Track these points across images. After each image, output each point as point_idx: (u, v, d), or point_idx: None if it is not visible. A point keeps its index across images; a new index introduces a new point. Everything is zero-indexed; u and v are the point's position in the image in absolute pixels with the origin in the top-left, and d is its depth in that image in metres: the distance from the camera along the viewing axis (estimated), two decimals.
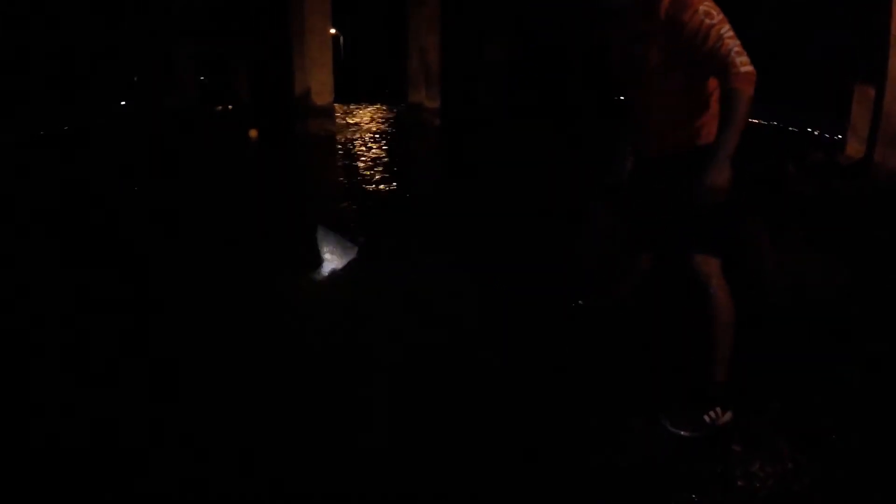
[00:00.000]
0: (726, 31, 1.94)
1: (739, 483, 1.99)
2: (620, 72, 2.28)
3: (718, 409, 2.22)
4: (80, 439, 2.17)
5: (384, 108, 13.89)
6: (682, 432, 2.21)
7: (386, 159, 7.85)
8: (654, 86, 2.15)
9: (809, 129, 10.57)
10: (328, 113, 9.99)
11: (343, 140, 9.48)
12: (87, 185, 6.09)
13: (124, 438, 2.18)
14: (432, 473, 2.03)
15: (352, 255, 3.78)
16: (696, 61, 2.01)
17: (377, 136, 9.91)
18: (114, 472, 2.01)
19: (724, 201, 2.13)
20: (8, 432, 2.18)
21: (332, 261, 3.70)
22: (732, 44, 1.92)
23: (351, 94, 14.77)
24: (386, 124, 11.44)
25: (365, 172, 6.99)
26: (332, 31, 12.94)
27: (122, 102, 12.91)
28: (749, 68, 1.91)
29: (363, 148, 8.74)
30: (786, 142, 9.62)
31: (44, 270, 3.75)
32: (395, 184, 6.41)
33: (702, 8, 1.95)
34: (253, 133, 9.92)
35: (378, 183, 6.46)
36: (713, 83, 2.09)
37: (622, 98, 2.42)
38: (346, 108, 13.38)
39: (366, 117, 12.41)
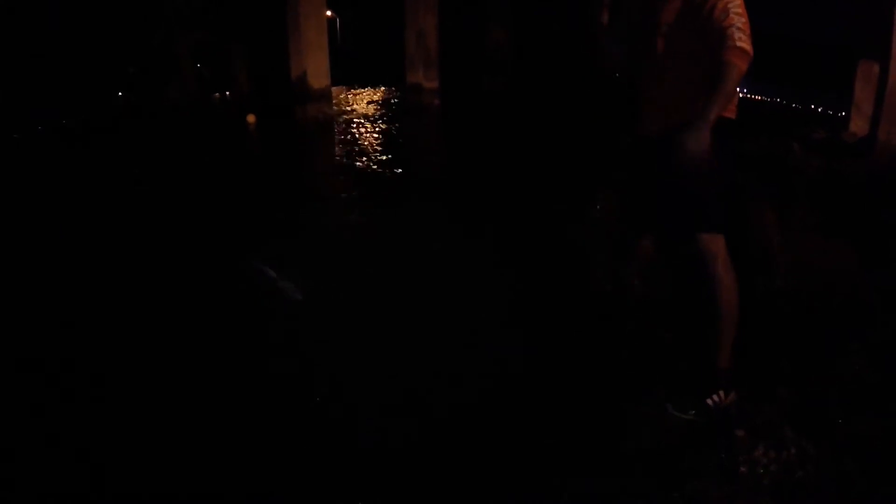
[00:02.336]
0: (735, 6, 1.93)
1: (743, 469, 1.95)
2: (634, 38, 2.24)
3: (721, 393, 2.18)
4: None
5: (382, 89, 13.78)
6: (686, 416, 2.18)
7: (384, 143, 7.77)
8: (666, 52, 2.12)
9: (813, 107, 10.48)
10: (325, 96, 9.91)
11: (341, 123, 9.40)
12: (87, 179, 5.97)
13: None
14: (438, 459, 2.01)
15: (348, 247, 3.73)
16: (702, 30, 1.99)
17: (375, 118, 9.82)
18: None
19: (722, 177, 2.09)
20: None
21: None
22: (737, 20, 1.91)
23: (349, 76, 14.65)
24: (384, 106, 11.35)
25: (361, 157, 6.92)
26: (328, 13, 12.79)
27: (120, 94, 12.76)
28: (745, 45, 1.89)
29: (361, 130, 8.66)
30: (789, 119, 9.53)
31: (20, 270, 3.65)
32: (392, 168, 6.34)
33: None
34: (251, 118, 9.82)
35: (375, 167, 6.39)
36: None
37: (629, 77, 2.36)
38: (343, 90, 13.27)
39: (364, 99, 12.31)
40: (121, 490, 1.89)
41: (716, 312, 2.13)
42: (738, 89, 2.24)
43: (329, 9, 10.87)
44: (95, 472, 1.95)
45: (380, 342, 2.72)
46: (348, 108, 11.03)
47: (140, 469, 1.97)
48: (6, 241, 4.03)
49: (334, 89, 11.08)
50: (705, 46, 2.02)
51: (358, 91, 13.77)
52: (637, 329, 2.78)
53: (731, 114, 2.13)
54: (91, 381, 2.45)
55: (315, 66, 9.68)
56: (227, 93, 14.17)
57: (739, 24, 1.90)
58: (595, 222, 3.65)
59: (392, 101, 12.11)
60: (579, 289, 3.14)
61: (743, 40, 1.89)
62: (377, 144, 7.59)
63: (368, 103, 11.80)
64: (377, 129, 8.80)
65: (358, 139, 7.98)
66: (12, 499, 1.88)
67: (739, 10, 1.93)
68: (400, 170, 6.23)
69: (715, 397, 2.17)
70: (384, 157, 6.78)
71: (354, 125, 9.12)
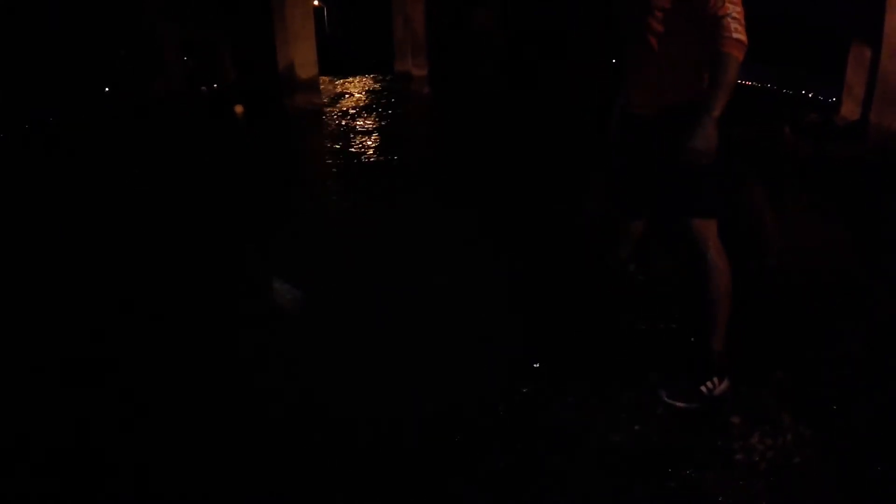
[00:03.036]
0: None
1: (739, 456, 1.92)
2: (626, 21, 2.18)
3: (715, 379, 2.15)
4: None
5: (371, 78, 13.63)
6: (679, 403, 2.15)
7: (373, 133, 7.68)
8: (659, 35, 2.07)
9: (804, 91, 10.46)
10: (313, 86, 9.78)
11: (329, 113, 9.30)
12: (77, 178, 5.81)
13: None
14: (433, 455, 1.97)
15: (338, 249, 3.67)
16: (697, 15, 1.96)
17: (364, 107, 9.71)
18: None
19: (719, 164, 2.06)
20: None
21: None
22: (732, 9, 1.90)
23: (336, 66, 14.50)
24: (373, 95, 11.23)
25: (351, 148, 6.83)
26: (315, 2, 12.65)
27: (107, 89, 12.59)
28: (741, 36, 1.89)
29: (350, 121, 8.56)
30: (781, 103, 9.51)
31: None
32: (384, 159, 6.26)
33: None
34: (238, 109, 9.70)
35: (366, 158, 6.31)
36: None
37: (620, 58, 2.30)
38: (331, 80, 13.13)
39: (352, 88, 12.18)
40: (120, 490, 1.85)
41: (709, 296, 2.10)
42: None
43: None
44: (93, 473, 1.92)
45: (379, 338, 2.67)
46: (337, 98, 10.92)
47: (139, 469, 1.94)
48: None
49: (322, 79, 10.96)
50: (699, 30, 1.99)
51: (346, 80, 13.62)
52: (630, 315, 2.74)
53: None
54: (87, 382, 2.40)
55: (302, 56, 9.54)
56: (215, 85, 14.01)
57: (734, 14, 1.89)
58: (587, 207, 3.61)
59: (381, 89, 11.98)
60: (572, 275, 3.10)
61: (738, 31, 1.88)
62: (367, 135, 7.51)
63: (357, 92, 11.68)
64: (366, 118, 8.71)
65: (347, 130, 7.89)
66: (10, 499, 1.83)
67: (735, 0, 1.90)
68: (391, 160, 6.15)
69: (709, 383, 2.15)
70: (374, 148, 6.70)
71: (343, 115, 9.02)
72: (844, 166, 5.43)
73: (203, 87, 13.73)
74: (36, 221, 4.40)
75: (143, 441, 2.06)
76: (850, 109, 7.56)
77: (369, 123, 8.27)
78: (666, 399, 2.16)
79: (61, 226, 4.28)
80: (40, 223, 4.36)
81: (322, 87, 10.51)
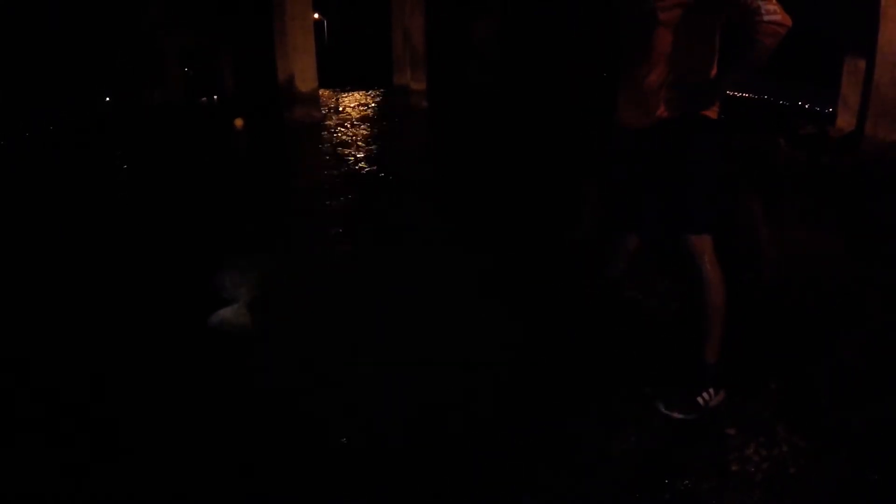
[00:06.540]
0: None
1: (734, 467, 1.93)
2: (627, 36, 2.18)
3: (711, 390, 2.17)
4: None
5: (370, 92, 13.73)
6: (677, 414, 2.16)
7: (371, 147, 7.73)
8: (665, 50, 2.06)
9: (800, 103, 10.53)
10: (313, 99, 9.83)
11: (328, 126, 9.36)
12: (72, 188, 5.84)
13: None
14: (426, 461, 1.97)
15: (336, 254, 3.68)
16: (717, 9, 1.97)
17: (363, 121, 9.78)
18: None
19: (714, 178, 2.08)
20: None
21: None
22: None
23: (336, 79, 14.61)
24: (372, 109, 11.31)
25: (349, 162, 6.87)
26: (316, 16, 12.75)
27: (108, 99, 12.66)
28: (775, 17, 1.84)
29: (349, 134, 8.62)
30: (776, 115, 9.56)
31: None
32: (381, 173, 6.29)
33: None
34: (238, 122, 9.75)
35: (363, 172, 6.35)
36: (719, 44, 2.05)
37: (615, 73, 2.32)
38: (331, 93, 13.23)
39: (351, 102, 12.26)
40: (119, 491, 1.86)
41: (704, 308, 2.11)
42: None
43: (316, 11, 10.82)
44: (89, 473, 1.93)
45: (373, 347, 2.67)
46: (336, 112, 10.99)
47: (136, 470, 1.94)
48: None
49: (322, 92, 11.03)
50: (706, 45, 2.01)
51: (346, 94, 13.71)
52: (626, 327, 2.76)
53: (712, 114, 2.10)
54: (83, 384, 2.41)
55: (302, 69, 9.61)
56: (215, 96, 14.10)
57: None
58: (582, 221, 3.63)
59: (380, 103, 12.07)
60: (568, 288, 3.12)
61: (772, 12, 1.84)
62: (365, 149, 7.55)
63: (356, 106, 11.75)
64: (365, 132, 8.77)
65: (345, 143, 7.94)
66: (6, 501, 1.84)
67: None
68: (388, 175, 6.18)
69: (705, 395, 2.16)
70: (372, 163, 6.74)
71: (342, 129, 9.08)
72: (839, 177, 5.47)
73: (203, 98, 13.81)
74: (31, 227, 4.43)
75: (140, 442, 2.07)
76: (845, 121, 7.62)
77: (367, 137, 8.32)
78: (663, 410, 2.17)
79: (55, 234, 4.29)
80: (35, 229, 4.38)
81: (321, 100, 10.58)
